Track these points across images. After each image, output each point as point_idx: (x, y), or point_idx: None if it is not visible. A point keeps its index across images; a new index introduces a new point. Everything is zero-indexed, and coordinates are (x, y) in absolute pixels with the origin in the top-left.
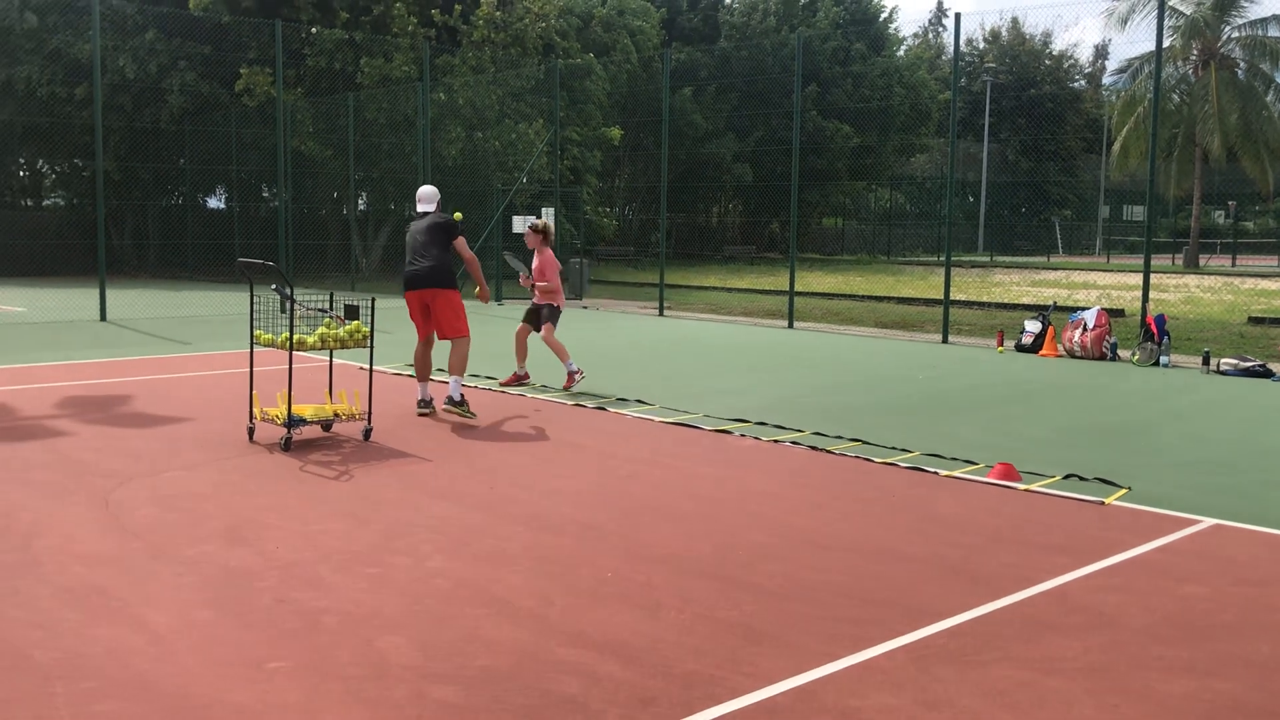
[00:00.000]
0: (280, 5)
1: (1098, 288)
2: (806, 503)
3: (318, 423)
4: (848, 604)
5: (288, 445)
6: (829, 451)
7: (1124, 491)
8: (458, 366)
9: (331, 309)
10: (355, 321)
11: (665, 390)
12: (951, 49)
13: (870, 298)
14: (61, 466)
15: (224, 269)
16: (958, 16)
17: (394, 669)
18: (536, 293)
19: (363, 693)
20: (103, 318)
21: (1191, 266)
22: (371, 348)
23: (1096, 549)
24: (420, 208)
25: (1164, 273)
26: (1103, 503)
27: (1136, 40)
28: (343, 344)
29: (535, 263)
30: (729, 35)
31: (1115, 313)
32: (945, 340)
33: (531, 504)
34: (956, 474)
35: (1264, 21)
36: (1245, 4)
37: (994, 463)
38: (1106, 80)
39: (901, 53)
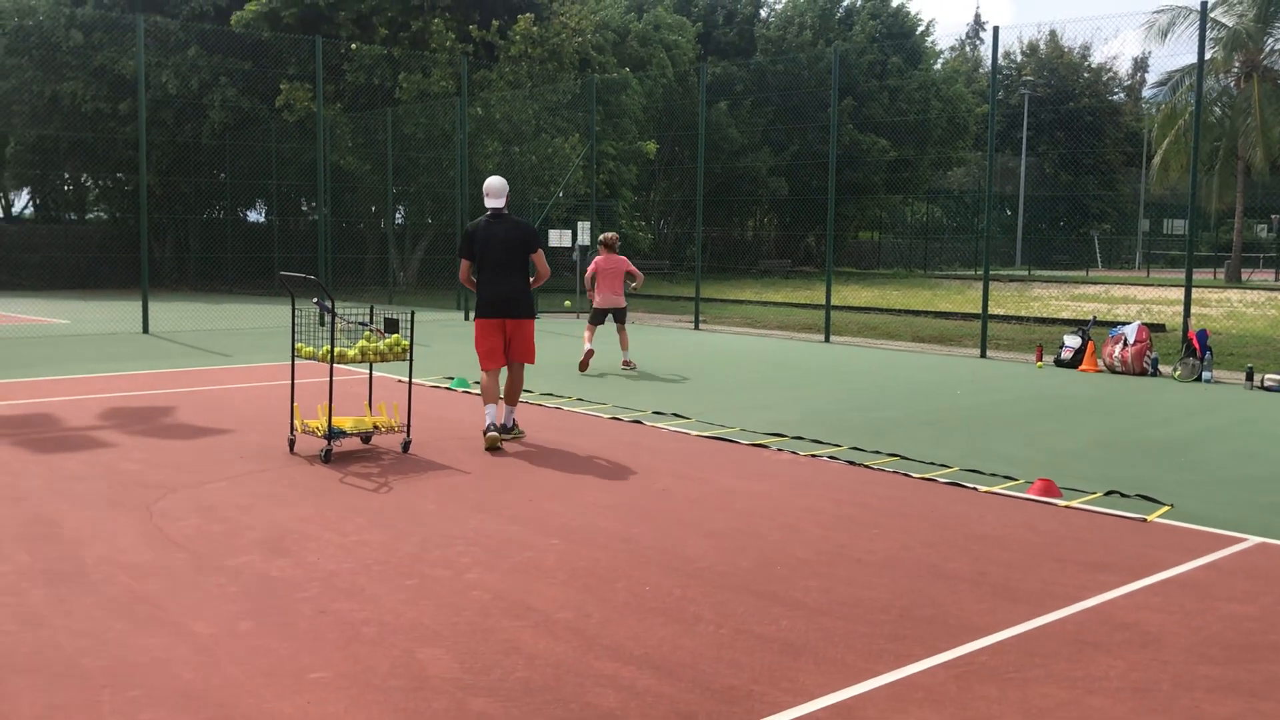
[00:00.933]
0: (320, 21)
1: (1138, 302)
2: (845, 518)
3: (357, 435)
4: (887, 620)
5: (328, 457)
6: (867, 466)
7: (1166, 508)
8: (514, 395)
9: (371, 322)
10: (395, 335)
11: (702, 404)
12: (989, 62)
13: (907, 312)
14: (106, 477)
15: (264, 282)
16: (995, 30)
17: (434, 680)
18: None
19: (403, 704)
20: (145, 330)
21: (1234, 281)
22: (411, 361)
23: (1139, 567)
24: (490, 204)
25: (1206, 287)
26: (1145, 520)
27: (1177, 53)
28: (383, 357)
29: (619, 264)
30: (765, 49)
31: (1156, 328)
32: (984, 355)
33: (568, 517)
34: (996, 490)
35: None
36: None
37: (1034, 478)
38: (1146, 93)
39: (938, 66)
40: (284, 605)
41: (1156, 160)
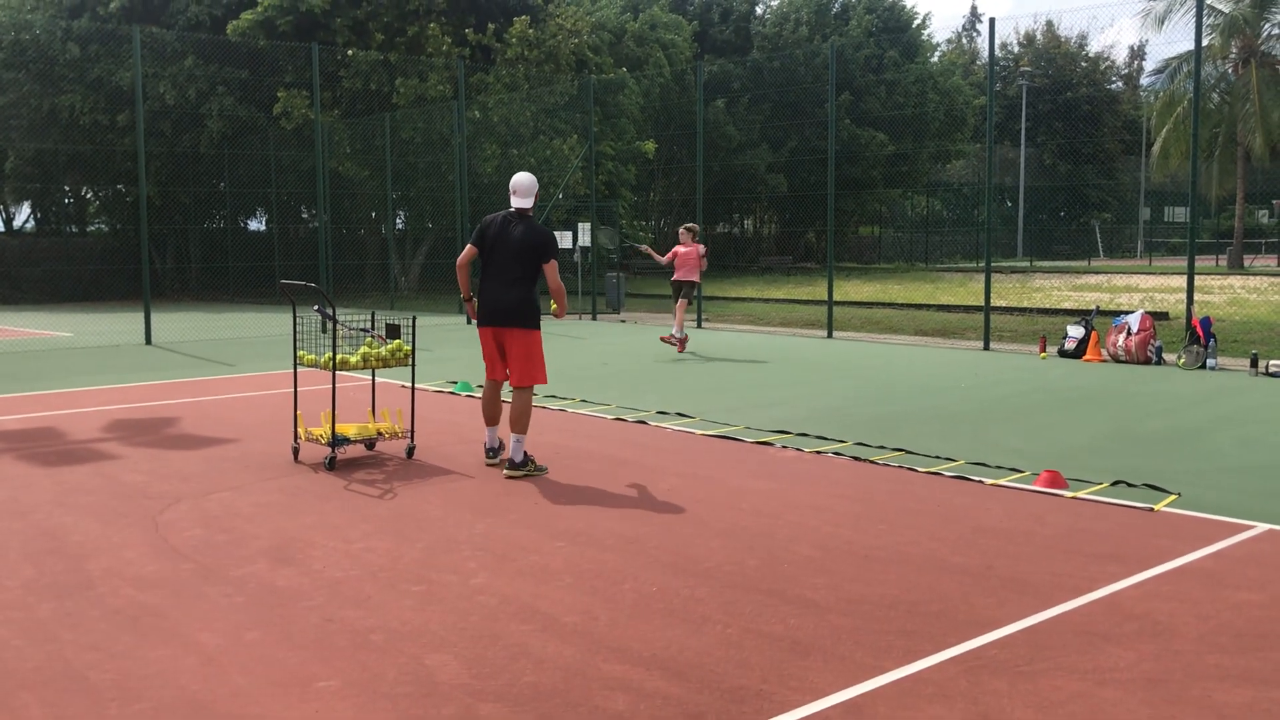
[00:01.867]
0: (316, 28)
1: (1140, 291)
2: (851, 514)
3: (361, 441)
4: (896, 616)
5: (332, 464)
6: (872, 462)
7: (1173, 498)
8: (519, 422)
9: (373, 328)
10: (397, 340)
11: (706, 403)
12: (986, 54)
13: (909, 305)
14: (111, 489)
15: (265, 290)
16: (992, 21)
17: (442, 686)
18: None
19: (412, 710)
20: (148, 341)
21: (1236, 267)
22: (414, 366)
23: (1147, 556)
24: (515, 202)
25: (1208, 274)
26: (1152, 509)
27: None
28: (385, 363)
29: (695, 250)
30: (761, 46)
31: (1159, 316)
32: (987, 347)
33: (574, 519)
34: (1002, 482)
35: None
36: None
37: (1040, 470)
38: (1144, 81)
39: (935, 59)
40: (290, 614)
41: (1156, 148)
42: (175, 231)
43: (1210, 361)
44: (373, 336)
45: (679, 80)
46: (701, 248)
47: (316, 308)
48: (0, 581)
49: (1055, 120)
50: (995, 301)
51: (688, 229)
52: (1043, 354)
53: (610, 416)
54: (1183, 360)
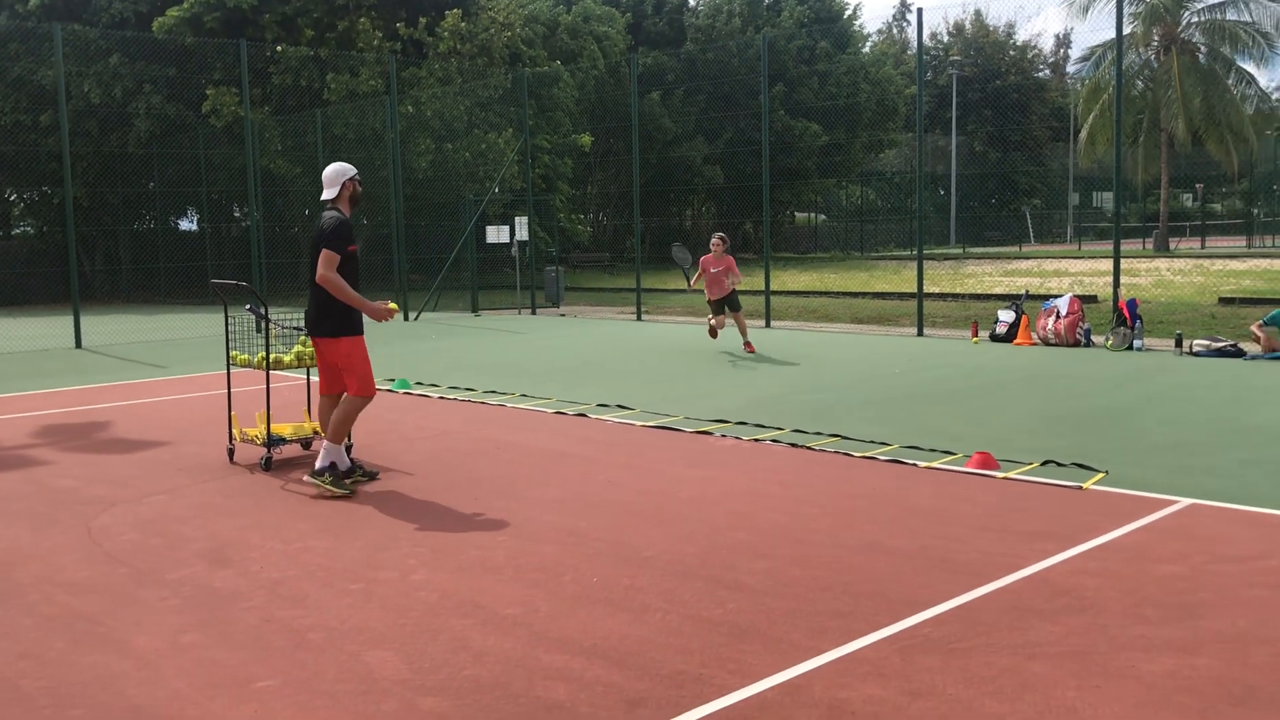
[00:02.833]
0: (244, 25)
1: (1070, 275)
2: (788, 499)
3: (297, 441)
4: (832, 598)
5: (268, 465)
6: (809, 448)
7: (1101, 475)
8: (336, 430)
9: (307, 327)
10: None
11: (645, 394)
12: (916, 44)
13: (845, 294)
14: (41, 495)
15: (198, 291)
16: (920, 12)
17: (382, 682)
18: (708, 290)
19: (352, 707)
20: (78, 345)
21: (1162, 250)
22: None
23: (1076, 533)
24: (324, 196)
25: (1135, 257)
26: (1081, 487)
27: (1099, 28)
28: None
29: (721, 267)
30: (694, 38)
31: (1088, 299)
32: (920, 333)
33: (514, 513)
34: (935, 465)
35: (1222, 5)
36: None
37: (972, 452)
38: (1071, 69)
39: (866, 49)
40: (228, 615)
41: (1083, 135)
42: (104, 233)
43: (1137, 342)
44: (306, 335)
45: (614, 73)
46: (730, 259)
47: (249, 307)
48: None
49: (985, 108)
50: (929, 288)
51: (720, 239)
52: (975, 339)
53: (550, 410)
54: (1110, 342)
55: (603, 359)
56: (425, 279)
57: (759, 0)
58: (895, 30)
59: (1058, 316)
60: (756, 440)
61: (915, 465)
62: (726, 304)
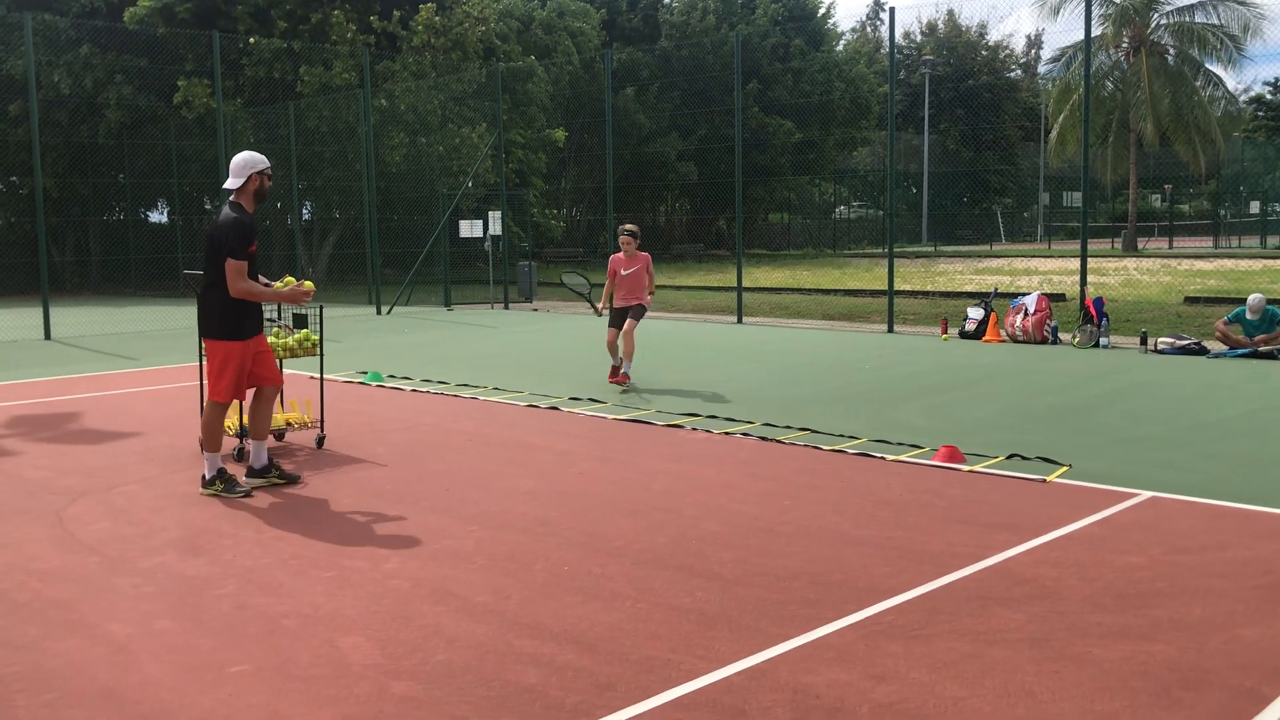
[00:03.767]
0: (217, 16)
1: (1039, 274)
2: (758, 491)
3: (270, 432)
4: (799, 586)
5: (241, 455)
6: (779, 441)
7: (1065, 469)
8: (206, 440)
9: (280, 318)
10: (304, 330)
11: (617, 388)
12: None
13: (817, 291)
14: (12, 486)
15: (169, 283)
16: (892, 11)
17: (355, 667)
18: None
19: (325, 691)
20: (47, 336)
21: (1130, 250)
22: (321, 356)
23: (1039, 525)
24: (229, 185)
25: (1103, 256)
26: (1044, 481)
27: (1069, 29)
28: (292, 353)
29: (635, 267)
30: (669, 35)
31: (1056, 297)
32: (891, 330)
33: (487, 504)
34: (903, 458)
35: (1190, 8)
36: None
37: (939, 446)
38: (1042, 69)
39: (840, 48)
40: (202, 603)
41: (1054, 135)
42: (74, 224)
43: (1103, 340)
44: (279, 326)
45: (588, 68)
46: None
47: None
48: None
49: (957, 108)
50: (899, 286)
51: (631, 234)
52: (944, 335)
53: (523, 403)
54: (1077, 339)
55: (575, 354)
56: (398, 273)
57: None
58: (869, 29)
59: (1026, 314)
60: (727, 434)
61: (883, 459)
62: (630, 313)
